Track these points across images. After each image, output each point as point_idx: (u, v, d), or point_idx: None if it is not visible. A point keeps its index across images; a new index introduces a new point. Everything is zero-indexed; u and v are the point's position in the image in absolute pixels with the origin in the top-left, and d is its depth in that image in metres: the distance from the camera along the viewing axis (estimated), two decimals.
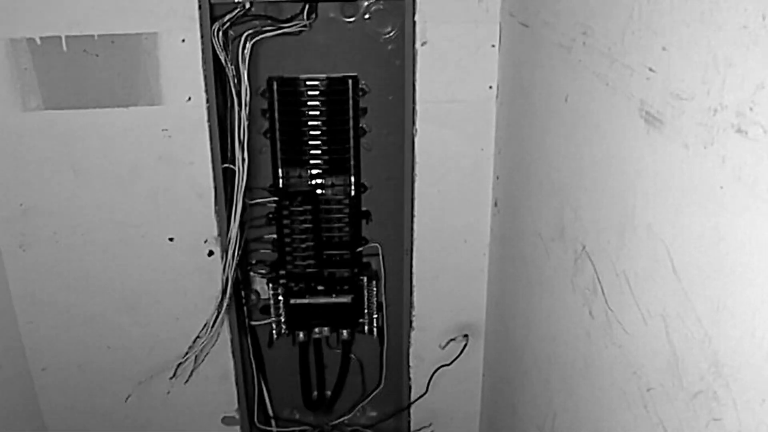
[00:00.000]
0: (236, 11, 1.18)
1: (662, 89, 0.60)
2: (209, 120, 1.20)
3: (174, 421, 1.44)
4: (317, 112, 1.30)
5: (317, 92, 1.29)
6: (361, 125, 1.32)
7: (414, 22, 1.17)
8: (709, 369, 0.54)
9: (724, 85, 0.51)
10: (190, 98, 1.18)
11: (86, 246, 1.27)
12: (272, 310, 1.41)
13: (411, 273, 1.35)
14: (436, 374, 1.43)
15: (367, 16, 1.24)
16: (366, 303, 1.42)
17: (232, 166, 1.25)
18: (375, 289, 1.41)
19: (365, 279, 1.40)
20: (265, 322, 1.43)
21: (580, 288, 0.82)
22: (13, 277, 1.28)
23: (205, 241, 1.28)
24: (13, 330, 1.31)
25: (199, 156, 1.22)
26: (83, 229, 1.26)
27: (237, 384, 1.42)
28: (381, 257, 1.40)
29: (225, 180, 1.26)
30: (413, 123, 1.24)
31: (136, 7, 1.12)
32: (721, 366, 0.52)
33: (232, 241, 1.28)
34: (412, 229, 1.31)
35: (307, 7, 1.21)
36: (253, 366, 1.45)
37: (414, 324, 1.39)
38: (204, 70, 1.16)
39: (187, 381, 1.39)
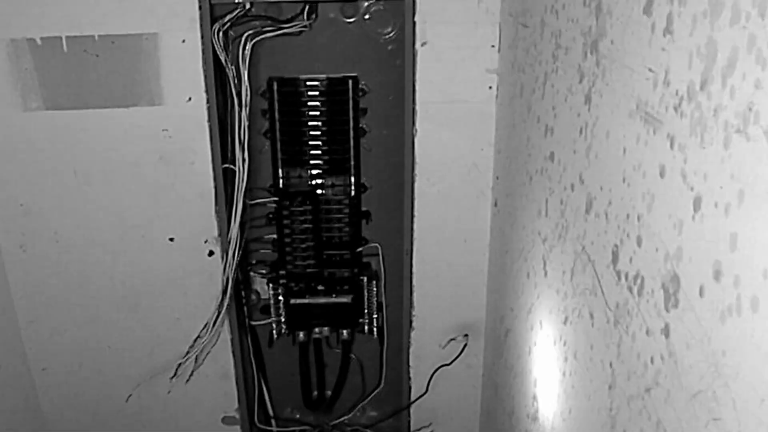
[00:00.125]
0: (236, 12, 1.18)
1: (662, 89, 0.61)
2: (209, 120, 1.20)
3: (174, 420, 1.45)
4: (317, 113, 1.30)
5: (317, 92, 1.29)
6: (361, 125, 1.32)
7: (414, 23, 1.17)
8: (708, 369, 0.54)
9: (723, 85, 0.51)
10: (190, 98, 1.18)
11: (87, 246, 1.27)
12: (272, 310, 1.41)
13: (411, 273, 1.35)
14: (436, 374, 1.43)
15: (367, 17, 1.24)
16: (366, 303, 1.42)
17: (232, 166, 1.25)
18: (375, 289, 1.42)
19: (365, 279, 1.40)
20: (266, 322, 1.43)
21: (580, 288, 0.82)
22: (13, 277, 1.28)
23: (206, 241, 1.28)
24: (14, 330, 1.31)
25: (199, 156, 1.22)
26: (84, 229, 1.26)
27: (237, 384, 1.42)
28: (381, 257, 1.41)
29: (225, 180, 1.26)
30: (413, 123, 1.24)
31: (136, 8, 1.12)
32: (721, 366, 0.53)
33: (233, 241, 1.28)
34: (412, 229, 1.31)
35: (307, 7, 1.21)
36: (254, 366, 1.45)
37: (414, 324, 1.39)
38: (204, 71, 1.17)
39: (187, 381, 1.40)
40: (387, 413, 1.57)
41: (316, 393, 1.54)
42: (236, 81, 1.21)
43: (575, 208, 0.84)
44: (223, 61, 1.19)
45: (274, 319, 1.42)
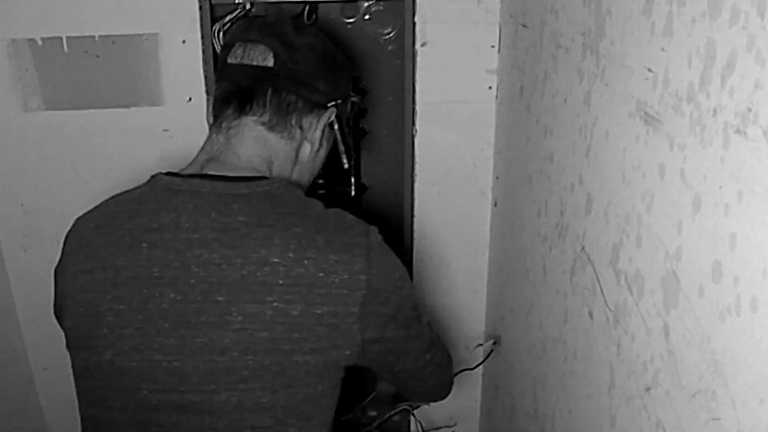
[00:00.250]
0: (237, 12, 1.18)
1: (661, 90, 0.61)
2: None
3: None
4: None
5: None
6: (361, 126, 1.32)
7: (414, 23, 1.17)
8: (708, 369, 0.54)
9: (723, 85, 0.51)
10: (190, 99, 1.18)
11: None
12: None
13: (411, 272, 1.35)
14: (457, 378, 1.40)
15: (367, 17, 1.25)
16: None
17: None
18: None
19: None
20: None
21: (580, 288, 0.83)
22: (14, 277, 1.28)
23: None
24: (15, 329, 1.31)
25: None
26: None
27: None
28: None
29: None
30: (413, 123, 1.24)
31: (136, 8, 1.12)
32: (720, 366, 0.53)
33: None
34: (412, 229, 1.31)
35: (307, 8, 1.21)
36: None
37: None
38: (205, 71, 1.17)
39: None
40: (387, 413, 1.57)
41: None
42: None
43: (575, 208, 0.84)
44: None
45: None
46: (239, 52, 0.90)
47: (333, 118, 0.95)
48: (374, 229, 0.87)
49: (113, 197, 0.92)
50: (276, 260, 0.79)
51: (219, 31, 1.17)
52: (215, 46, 1.17)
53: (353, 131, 1.28)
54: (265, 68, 0.88)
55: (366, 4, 1.24)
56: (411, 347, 0.93)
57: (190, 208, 0.82)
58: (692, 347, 0.57)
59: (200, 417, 0.80)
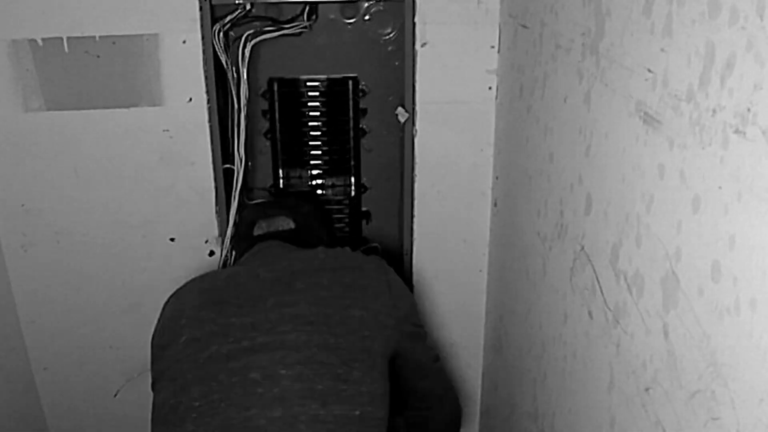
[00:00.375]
0: (237, 12, 1.18)
1: (661, 90, 0.61)
2: (210, 121, 1.20)
3: None
4: (317, 113, 1.30)
5: (317, 93, 1.29)
6: (361, 126, 1.32)
7: (414, 24, 1.17)
8: (707, 368, 0.54)
9: (722, 86, 0.51)
10: (191, 99, 1.18)
11: (88, 246, 1.27)
12: None
13: (411, 273, 1.35)
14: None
15: (367, 18, 1.25)
16: None
17: (232, 166, 1.25)
18: None
19: None
20: None
21: (579, 288, 0.83)
22: (15, 277, 1.28)
23: (206, 242, 1.29)
24: (15, 329, 1.31)
25: (200, 156, 1.22)
26: (84, 229, 1.26)
27: None
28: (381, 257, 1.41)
29: (226, 180, 1.26)
30: (413, 123, 1.24)
31: (137, 9, 1.13)
32: (720, 365, 0.53)
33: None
34: (412, 229, 1.31)
35: (307, 8, 1.21)
36: None
37: None
38: (205, 71, 1.17)
39: None
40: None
41: None
42: (237, 81, 1.21)
43: (574, 208, 0.84)
44: (223, 61, 1.19)
45: None
46: (264, 224, 1.17)
47: None
48: (375, 258, 1.10)
49: None
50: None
51: (219, 31, 1.17)
52: (216, 46, 1.17)
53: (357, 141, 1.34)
54: (290, 230, 1.16)
55: (366, 4, 1.24)
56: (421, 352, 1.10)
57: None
58: (692, 347, 0.57)
59: (271, 353, 0.92)
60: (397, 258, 1.39)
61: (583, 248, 0.81)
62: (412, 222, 1.31)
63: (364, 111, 1.31)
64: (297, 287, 0.98)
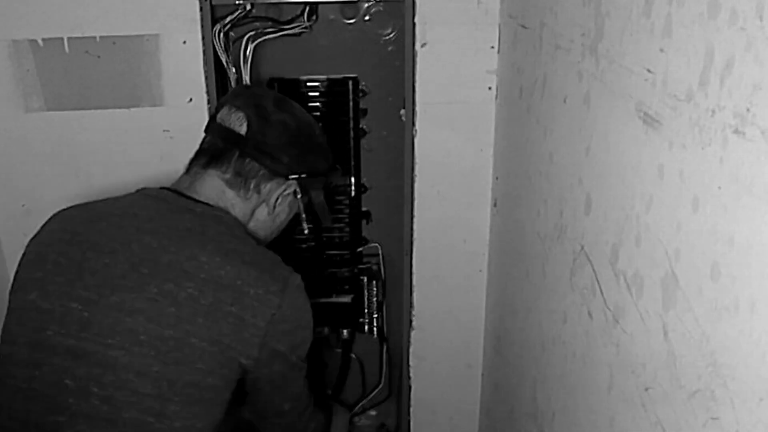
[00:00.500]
0: (237, 13, 1.19)
1: (660, 90, 0.61)
2: None
3: None
4: (318, 113, 1.30)
5: (318, 93, 1.30)
6: (361, 126, 1.32)
7: (414, 24, 1.17)
8: (706, 368, 0.54)
9: (721, 86, 0.51)
10: (191, 99, 1.18)
11: None
12: None
13: (411, 273, 1.35)
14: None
15: (367, 18, 1.25)
16: (366, 303, 1.43)
17: None
18: (375, 288, 1.42)
19: (365, 279, 1.41)
20: None
21: (579, 288, 0.83)
22: None
23: None
24: None
25: None
26: None
27: None
28: (381, 257, 1.41)
29: None
30: (413, 124, 1.24)
31: (137, 9, 1.13)
32: (719, 365, 0.53)
33: None
34: (412, 229, 1.31)
35: (307, 9, 1.21)
36: None
37: (414, 324, 1.39)
38: (205, 72, 1.17)
39: None
40: (387, 413, 1.57)
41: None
42: (237, 82, 1.21)
43: (574, 208, 0.84)
44: (224, 62, 1.19)
45: None
46: (224, 113, 1.01)
47: (295, 189, 1.04)
48: (298, 276, 0.98)
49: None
50: (204, 259, 0.90)
51: (220, 32, 1.18)
52: (216, 47, 1.18)
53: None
54: (238, 134, 0.99)
55: (366, 4, 1.24)
56: (285, 387, 1.02)
57: (152, 207, 0.96)
58: (691, 347, 0.57)
59: (89, 367, 0.87)
60: (397, 258, 1.39)
61: (582, 248, 0.81)
62: (412, 222, 1.31)
63: (364, 111, 1.31)
64: (152, 282, 0.88)
